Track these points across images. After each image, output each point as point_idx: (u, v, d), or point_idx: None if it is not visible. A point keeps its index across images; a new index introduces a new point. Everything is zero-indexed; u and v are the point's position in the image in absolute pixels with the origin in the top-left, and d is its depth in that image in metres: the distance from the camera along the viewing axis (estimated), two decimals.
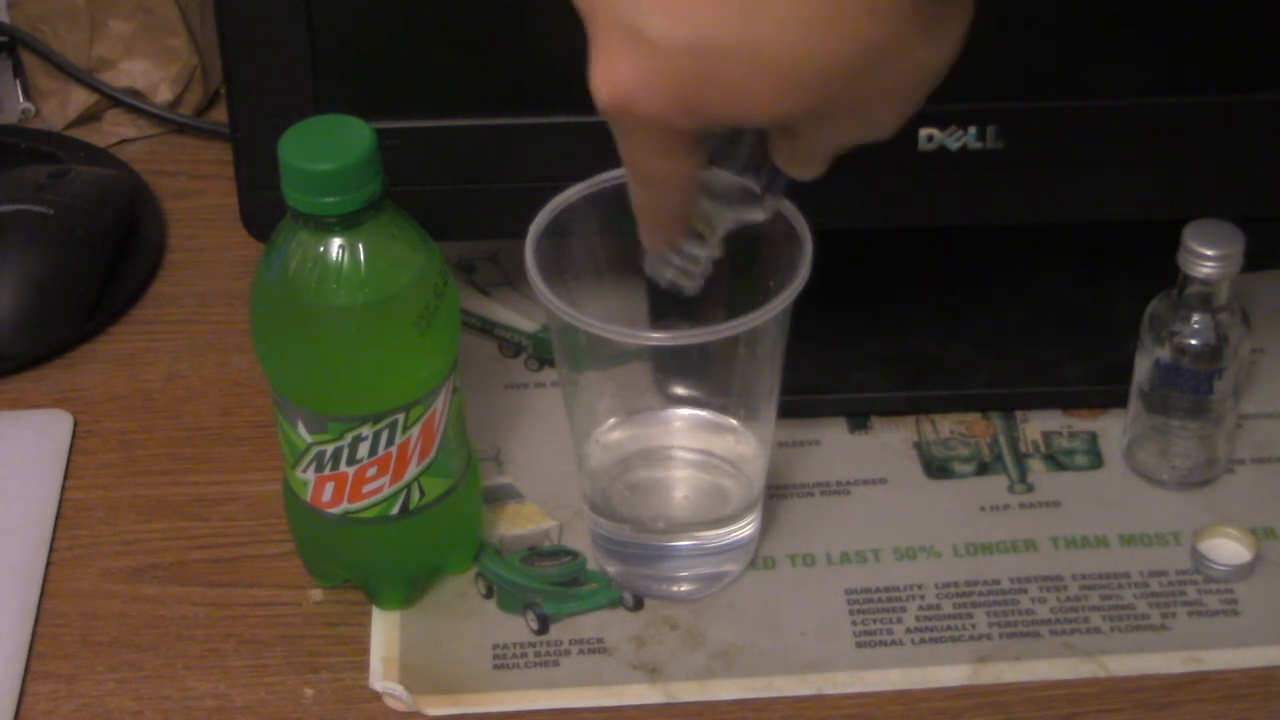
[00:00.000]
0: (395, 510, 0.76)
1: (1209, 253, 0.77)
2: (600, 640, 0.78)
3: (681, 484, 0.82)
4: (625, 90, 0.58)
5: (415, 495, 0.76)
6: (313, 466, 0.75)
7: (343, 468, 0.74)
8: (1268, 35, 0.80)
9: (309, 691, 0.76)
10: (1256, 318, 0.82)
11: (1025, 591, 0.80)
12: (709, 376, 0.79)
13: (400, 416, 0.73)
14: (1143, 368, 0.82)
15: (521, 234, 0.73)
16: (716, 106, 0.58)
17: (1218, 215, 0.78)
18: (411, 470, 0.75)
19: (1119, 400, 0.85)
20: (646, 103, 0.58)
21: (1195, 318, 0.79)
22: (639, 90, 0.58)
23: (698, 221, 0.68)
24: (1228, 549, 0.81)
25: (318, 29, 0.78)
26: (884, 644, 0.78)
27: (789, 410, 0.81)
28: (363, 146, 0.69)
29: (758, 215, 0.67)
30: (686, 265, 0.69)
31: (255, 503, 0.84)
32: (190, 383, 0.91)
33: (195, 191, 1.03)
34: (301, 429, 0.74)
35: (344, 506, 0.75)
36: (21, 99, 1.09)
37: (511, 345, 0.92)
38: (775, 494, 0.83)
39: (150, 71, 1.07)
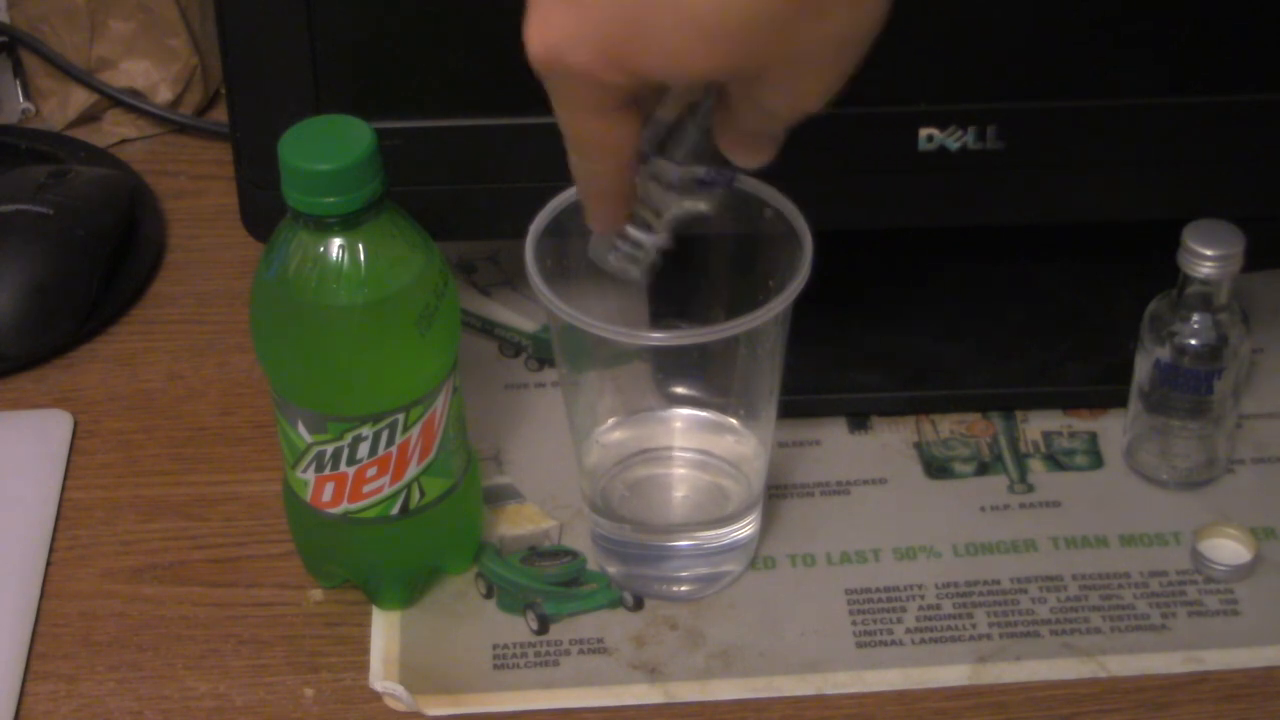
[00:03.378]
0: (395, 510, 0.76)
1: (1209, 253, 0.77)
2: (600, 640, 0.78)
3: (681, 484, 0.82)
4: (555, 43, 0.59)
5: (415, 495, 0.76)
6: (313, 466, 0.75)
7: (343, 468, 0.74)
8: (1268, 35, 0.80)
9: (309, 691, 0.76)
10: (1256, 318, 0.83)
11: (1025, 591, 0.80)
12: (709, 376, 0.79)
13: (400, 417, 0.73)
14: (1143, 368, 0.82)
15: (521, 234, 0.73)
16: (644, 60, 0.59)
17: (1218, 215, 0.78)
18: (411, 470, 0.75)
19: (1119, 400, 0.85)
20: (576, 56, 0.59)
21: (1195, 318, 0.79)
22: (567, 43, 0.59)
23: (643, 208, 0.68)
24: (1228, 549, 0.81)
25: (318, 29, 0.78)
26: (884, 644, 0.78)
27: (789, 410, 0.81)
28: (363, 146, 0.69)
29: (703, 205, 0.67)
30: (631, 251, 0.69)
31: (255, 503, 0.84)
32: (190, 383, 0.91)
33: (195, 191, 1.03)
34: (301, 429, 0.74)
35: (344, 506, 0.75)
36: (21, 99, 1.09)
37: (511, 345, 0.92)
38: (775, 494, 0.83)
39: (150, 71, 1.07)
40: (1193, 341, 0.79)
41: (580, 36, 0.59)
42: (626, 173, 0.65)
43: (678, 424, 0.81)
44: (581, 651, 0.78)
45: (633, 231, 0.68)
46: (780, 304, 0.70)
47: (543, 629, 0.79)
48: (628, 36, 0.58)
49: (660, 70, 0.59)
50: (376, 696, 0.76)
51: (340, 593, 0.80)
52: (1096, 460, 0.86)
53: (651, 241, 0.68)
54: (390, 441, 0.74)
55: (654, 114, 0.65)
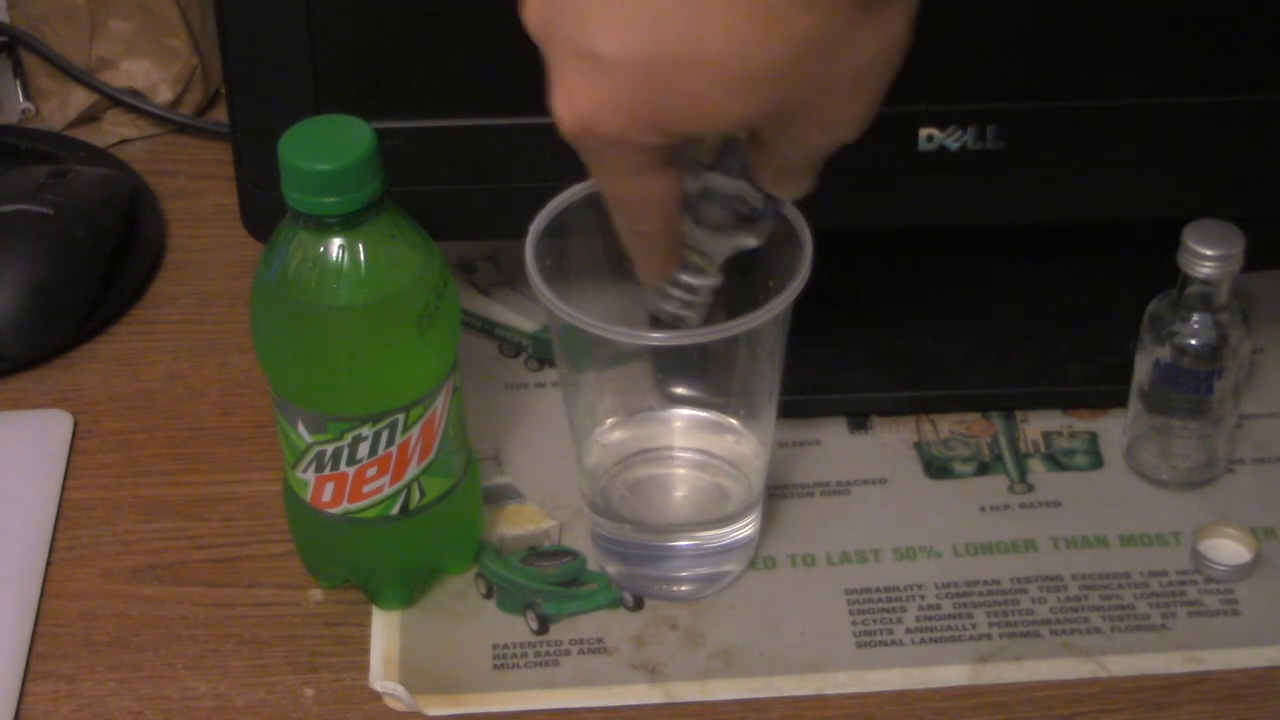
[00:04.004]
0: (395, 510, 0.76)
1: (1209, 253, 0.77)
2: (600, 640, 0.78)
3: (681, 484, 0.82)
4: (586, 113, 0.59)
5: (415, 495, 0.76)
6: (313, 466, 0.75)
7: (343, 468, 0.74)
8: (1268, 35, 0.80)
9: (309, 691, 0.76)
10: (1256, 318, 0.83)
11: (1025, 591, 0.80)
12: (709, 376, 0.79)
13: (400, 416, 0.73)
14: (1143, 368, 0.82)
15: (521, 234, 0.73)
16: (675, 117, 0.58)
17: (1218, 215, 0.78)
18: (411, 470, 0.75)
19: (1119, 400, 0.85)
20: (608, 123, 0.59)
21: (1195, 318, 0.79)
22: (599, 111, 0.58)
23: (693, 254, 0.68)
24: (1228, 549, 0.81)
25: (318, 29, 0.78)
26: (884, 644, 0.78)
27: (789, 410, 0.81)
28: (363, 146, 0.69)
29: (751, 241, 0.68)
30: (686, 297, 0.69)
31: (255, 503, 0.84)
32: (190, 383, 0.91)
33: (195, 191, 1.03)
34: (301, 429, 0.74)
35: (344, 506, 0.75)
36: (21, 99, 1.09)
37: (511, 345, 0.92)
38: (775, 494, 0.83)
39: (150, 71, 1.07)
40: (1193, 341, 0.79)
41: (610, 103, 0.58)
42: (673, 223, 0.65)
43: (678, 424, 0.81)
44: (581, 651, 0.78)
45: (685, 278, 0.68)
46: (780, 304, 0.70)
47: (543, 629, 0.79)
48: (656, 97, 0.58)
49: (694, 125, 0.59)
50: (376, 696, 0.76)
51: (340, 593, 0.80)
52: (1096, 460, 0.86)
53: (705, 286, 0.69)
54: (390, 441, 0.74)
55: (692, 159, 0.65)
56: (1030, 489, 0.84)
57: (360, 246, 0.70)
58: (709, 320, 0.71)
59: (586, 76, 0.58)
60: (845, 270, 0.84)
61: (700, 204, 0.66)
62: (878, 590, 0.80)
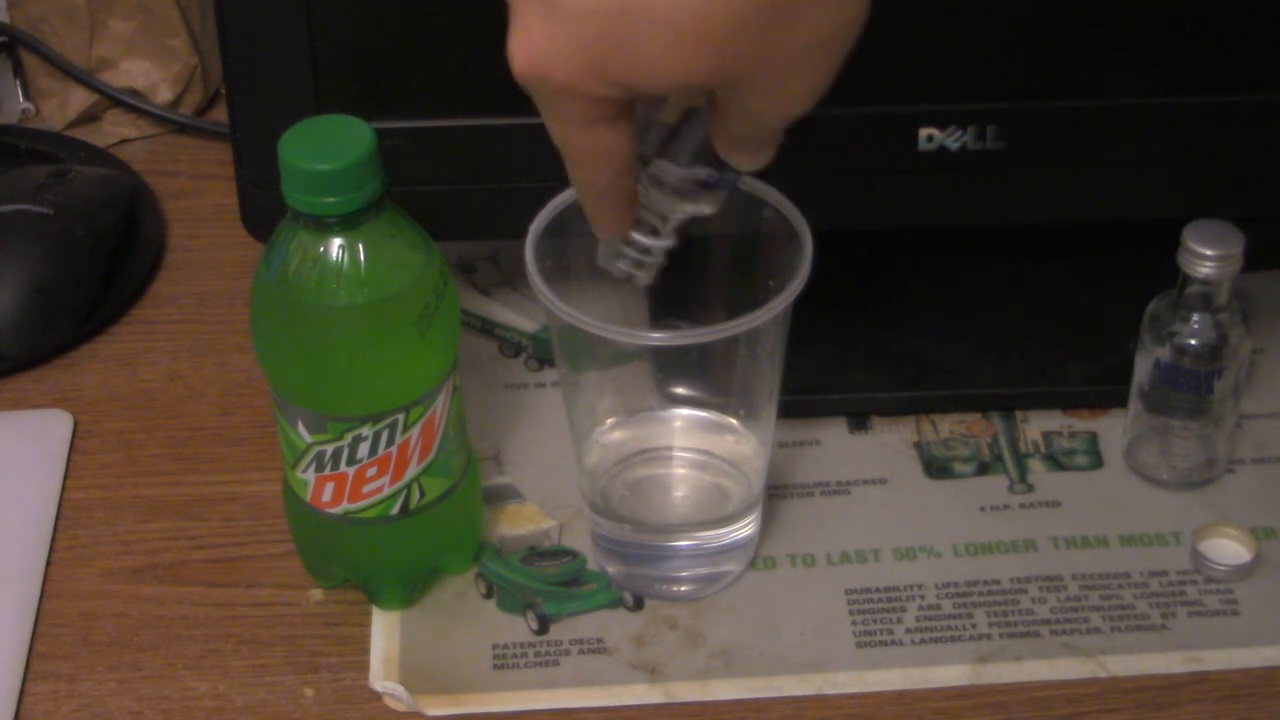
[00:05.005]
0: (395, 510, 0.76)
1: (1209, 253, 0.77)
2: (600, 640, 0.78)
3: (681, 484, 0.82)
4: (538, 57, 0.59)
5: (415, 495, 0.76)
6: (313, 466, 0.75)
7: (343, 468, 0.74)
8: (1268, 35, 0.80)
9: (309, 691, 0.76)
10: (1256, 318, 0.83)
11: (1025, 591, 0.80)
12: (709, 376, 0.79)
13: (400, 416, 0.73)
14: (1143, 368, 0.82)
15: (521, 234, 0.73)
16: (625, 69, 0.59)
17: (1218, 215, 0.78)
18: (411, 470, 0.75)
19: (1119, 400, 0.85)
20: (558, 68, 0.59)
21: (1195, 318, 0.79)
22: (550, 56, 0.59)
23: (647, 213, 0.68)
24: (1228, 549, 0.81)
25: (318, 29, 0.78)
26: (884, 644, 0.78)
27: (789, 410, 0.81)
28: (363, 146, 0.69)
29: (706, 208, 0.68)
30: (639, 256, 0.69)
31: (255, 503, 0.84)
32: (190, 383, 0.91)
33: (195, 191, 1.03)
34: (301, 429, 0.74)
35: (344, 506, 0.75)
36: (21, 99, 1.09)
37: (511, 345, 0.92)
38: (775, 494, 0.83)
39: (150, 71, 1.07)
40: (1193, 341, 0.79)
41: (562, 50, 0.59)
42: (626, 179, 0.65)
43: (678, 424, 0.81)
44: (581, 651, 0.78)
45: (638, 237, 0.68)
46: (780, 304, 0.70)
47: (543, 629, 0.79)
48: (609, 48, 0.58)
49: (643, 80, 0.59)
50: (376, 696, 0.76)
51: (340, 593, 0.80)
52: (1096, 460, 0.86)
53: (658, 246, 0.69)
54: (390, 441, 0.74)
55: (653, 118, 0.65)
56: (1030, 489, 0.84)
57: (360, 246, 0.70)
58: (709, 320, 0.71)
59: (542, 21, 0.59)
60: (845, 270, 0.84)
61: (658, 164, 0.66)
62: (878, 590, 0.80)
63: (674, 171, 0.66)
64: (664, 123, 0.65)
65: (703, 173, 0.66)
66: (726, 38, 0.58)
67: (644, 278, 0.70)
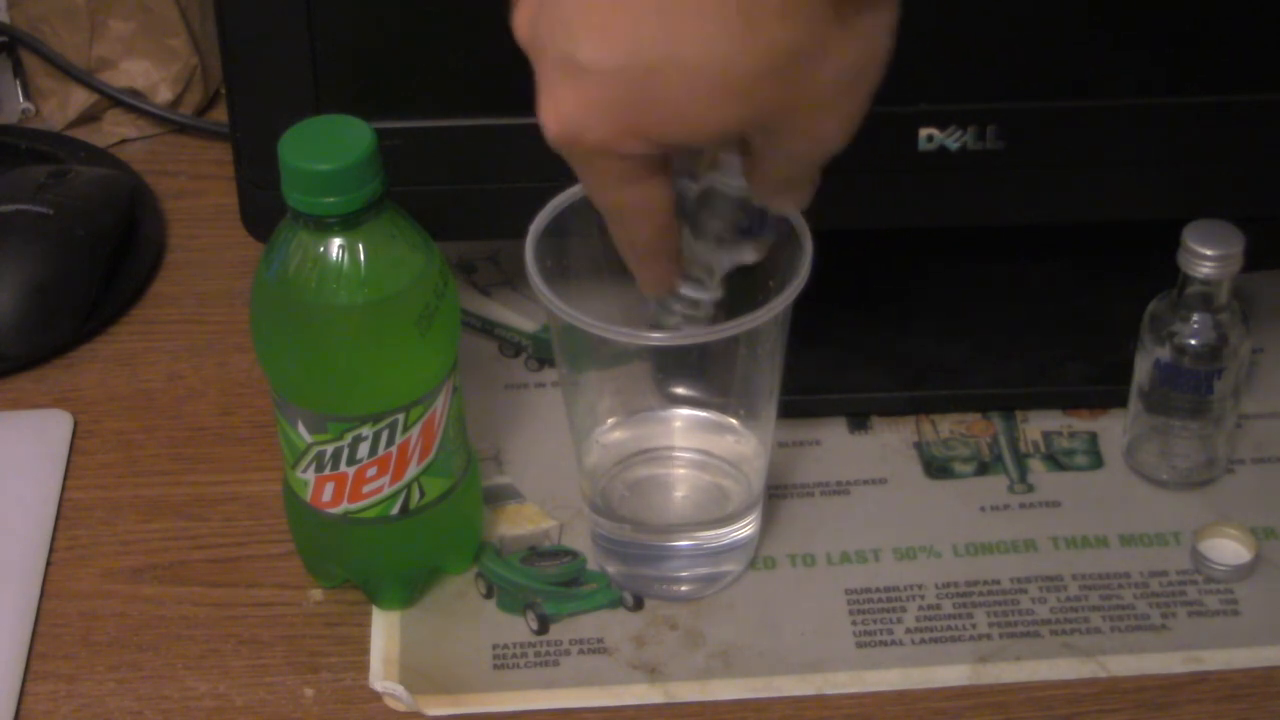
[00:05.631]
0: (395, 510, 0.76)
1: (1209, 253, 0.77)
2: (600, 640, 0.78)
3: (681, 484, 0.82)
4: (570, 121, 0.59)
5: (415, 495, 0.76)
6: (313, 466, 0.75)
7: (343, 468, 0.74)
8: (1268, 35, 0.80)
9: (309, 691, 0.76)
10: (1256, 318, 0.83)
11: (1025, 591, 0.80)
12: (709, 376, 0.79)
13: (400, 416, 0.73)
14: (1143, 368, 0.82)
15: (521, 234, 0.73)
16: (658, 125, 0.59)
17: (1218, 215, 0.78)
18: (411, 470, 0.75)
19: (1119, 400, 0.85)
20: (592, 130, 0.59)
21: (1195, 318, 0.79)
22: (583, 119, 0.59)
23: (693, 266, 0.68)
24: (1228, 549, 0.81)
25: (318, 29, 0.78)
26: (884, 644, 0.78)
27: (789, 410, 0.81)
28: (363, 146, 0.69)
29: (750, 256, 0.68)
30: (688, 311, 0.70)
31: (255, 503, 0.84)
32: (190, 383, 0.91)
33: (195, 191, 1.03)
34: (301, 429, 0.74)
35: (344, 506, 0.75)
36: (21, 99, 1.09)
37: (511, 345, 0.92)
38: (775, 494, 0.83)
39: (150, 71, 1.07)
40: (1193, 341, 0.79)
41: (593, 111, 0.58)
42: (668, 234, 0.65)
43: (678, 424, 0.81)
44: (581, 651, 0.78)
45: (688, 292, 0.69)
46: (780, 304, 0.70)
47: (543, 629, 0.79)
48: (639, 105, 0.58)
49: (677, 134, 0.59)
50: (376, 696, 0.76)
51: (340, 593, 0.80)
52: (1096, 460, 0.86)
53: (708, 299, 0.69)
54: (390, 441, 0.74)
55: (691, 172, 0.65)
56: (1030, 489, 0.84)
57: (360, 246, 0.70)
58: (710, 320, 0.71)
59: (570, 85, 0.58)
60: (845, 270, 0.84)
61: (699, 217, 0.66)
62: (878, 590, 0.80)
63: (715, 222, 0.66)
64: (699, 174, 0.65)
65: (744, 221, 0.66)
66: (756, 84, 0.57)
67: (694, 329, 0.70)
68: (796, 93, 0.58)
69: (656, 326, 0.70)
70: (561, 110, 0.59)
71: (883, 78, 0.60)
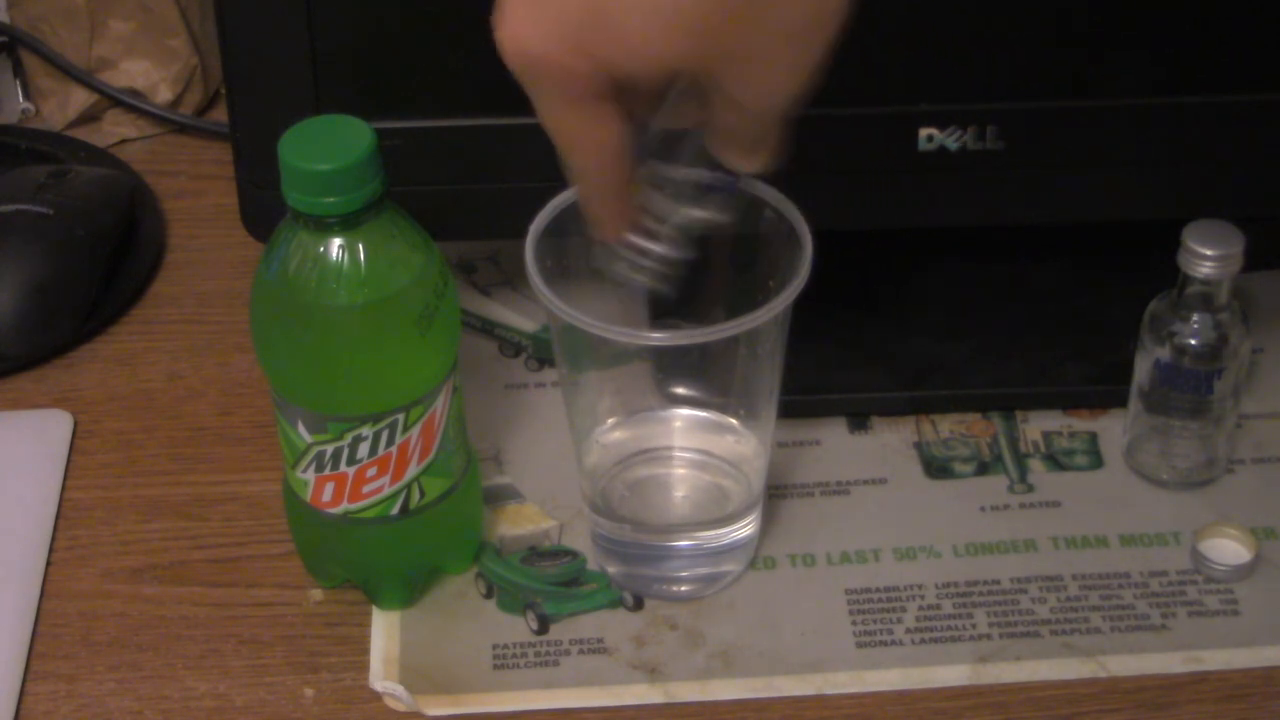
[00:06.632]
0: (395, 510, 0.76)
1: (1209, 253, 0.77)
2: (600, 640, 0.78)
3: (681, 484, 0.82)
4: (522, 38, 0.61)
5: (415, 495, 0.76)
6: (313, 466, 0.75)
7: (343, 468, 0.74)
8: (1268, 35, 0.80)
9: (309, 691, 0.76)
10: (1256, 318, 0.83)
11: (1025, 591, 0.80)
12: (709, 376, 0.79)
13: (400, 416, 0.73)
14: (1143, 368, 0.82)
15: (521, 234, 0.73)
16: (605, 46, 0.60)
17: (1218, 215, 0.78)
18: (411, 470, 0.75)
19: (1119, 400, 0.85)
20: (539, 45, 0.61)
21: (1195, 318, 0.79)
22: (534, 36, 0.61)
23: (648, 218, 0.68)
24: (1228, 549, 0.81)
25: (318, 29, 0.78)
26: (884, 644, 0.78)
27: (789, 410, 0.81)
28: (363, 146, 0.69)
29: (708, 213, 0.68)
30: (636, 260, 0.69)
31: (255, 503, 0.84)
32: (190, 383, 0.91)
33: (195, 191, 1.03)
34: (301, 429, 0.74)
35: (344, 506, 0.75)
36: (21, 99, 1.09)
37: (511, 345, 0.92)
38: (775, 494, 0.83)
39: (150, 71, 1.07)
40: (1193, 341, 0.79)
41: (544, 27, 0.60)
42: (617, 171, 0.65)
43: (678, 424, 0.81)
44: (581, 651, 0.78)
45: (636, 240, 0.68)
46: (780, 304, 0.70)
47: (543, 629, 0.79)
48: (590, 25, 0.60)
49: (623, 58, 0.60)
50: (376, 696, 0.76)
51: (340, 593, 0.80)
52: (1096, 460, 0.86)
53: (657, 251, 0.69)
54: (390, 441, 0.74)
55: (652, 121, 0.65)
56: (1030, 489, 0.84)
57: (360, 246, 0.70)
58: (709, 320, 0.71)
59: (528, 3, 0.61)
60: (845, 270, 0.84)
61: (655, 166, 0.66)
62: (878, 590, 0.80)
63: (671, 172, 0.66)
64: (662, 126, 0.65)
65: (702, 174, 0.66)
66: (704, 19, 0.59)
67: (640, 281, 0.70)
68: (745, 35, 0.59)
69: (603, 271, 0.70)
70: (515, 25, 0.61)
71: (835, 37, 0.61)
